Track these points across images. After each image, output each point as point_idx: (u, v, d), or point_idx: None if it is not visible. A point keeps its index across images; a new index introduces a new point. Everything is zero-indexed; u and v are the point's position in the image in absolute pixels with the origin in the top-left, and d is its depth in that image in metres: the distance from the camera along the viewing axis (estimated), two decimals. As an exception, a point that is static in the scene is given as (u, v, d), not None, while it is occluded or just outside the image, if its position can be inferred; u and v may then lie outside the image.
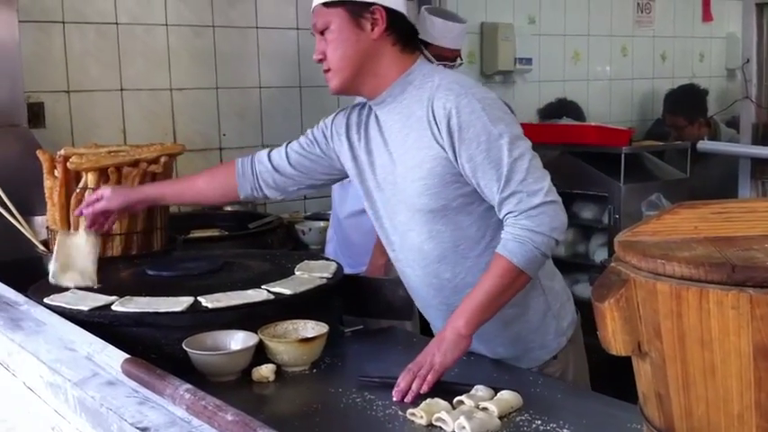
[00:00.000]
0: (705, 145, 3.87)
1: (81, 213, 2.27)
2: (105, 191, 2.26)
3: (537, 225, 1.80)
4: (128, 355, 1.46)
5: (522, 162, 1.83)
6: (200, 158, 3.88)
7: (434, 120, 1.88)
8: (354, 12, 1.92)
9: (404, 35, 1.98)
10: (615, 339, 1.02)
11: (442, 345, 1.80)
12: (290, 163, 2.20)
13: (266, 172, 2.21)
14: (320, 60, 1.98)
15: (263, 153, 2.25)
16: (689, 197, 4.03)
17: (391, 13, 1.94)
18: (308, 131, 2.22)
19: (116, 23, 3.64)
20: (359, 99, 2.16)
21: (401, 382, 1.74)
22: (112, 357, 1.49)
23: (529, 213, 1.81)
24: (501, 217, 1.87)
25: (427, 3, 4.40)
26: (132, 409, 1.25)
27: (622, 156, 3.88)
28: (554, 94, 5.26)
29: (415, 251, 2.01)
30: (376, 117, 2.04)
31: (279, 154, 2.22)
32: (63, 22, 3.51)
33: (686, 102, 5.04)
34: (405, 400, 1.71)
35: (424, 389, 1.72)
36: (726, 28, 6.25)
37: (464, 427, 1.53)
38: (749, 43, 3.63)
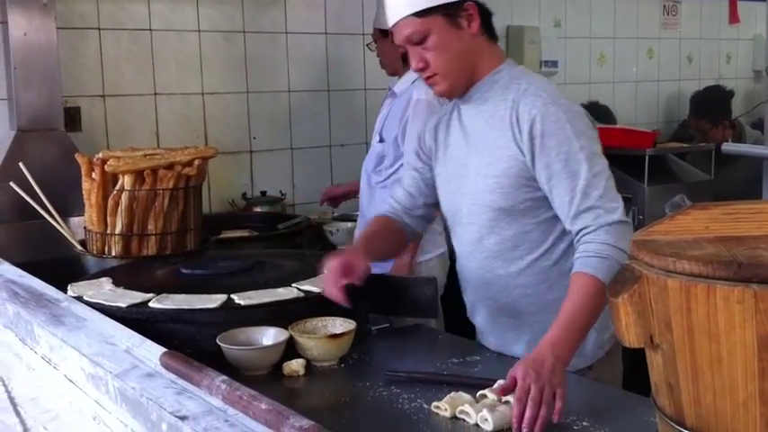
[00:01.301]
0: (729, 147, 3.88)
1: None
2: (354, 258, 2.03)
3: (616, 240, 1.78)
4: (165, 349, 1.53)
5: (601, 179, 1.84)
6: (231, 161, 3.97)
7: (517, 122, 1.89)
8: (450, 15, 1.91)
9: (489, 22, 1.98)
10: (629, 332, 1.07)
11: (554, 373, 1.61)
12: (418, 198, 2.21)
13: (410, 217, 2.23)
14: (422, 69, 1.96)
15: (396, 207, 2.23)
16: (713, 199, 4.03)
17: (478, 4, 1.95)
18: (407, 165, 2.25)
19: (150, 30, 3.73)
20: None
21: (528, 413, 1.54)
22: (151, 351, 1.55)
23: (607, 229, 1.80)
24: (574, 230, 1.86)
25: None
26: (171, 399, 1.31)
27: (646, 158, 3.91)
28: (580, 97, 5.28)
29: (474, 243, 2.04)
30: (459, 112, 2.05)
31: (405, 198, 2.22)
32: (99, 29, 3.60)
33: (710, 104, 5.04)
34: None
35: (555, 419, 1.56)
36: (753, 29, 6.24)
37: (486, 420, 1.58)
38: (774, 46, 3.65)
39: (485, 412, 1.59)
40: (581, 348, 1.98)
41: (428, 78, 1.98)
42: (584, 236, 1.83)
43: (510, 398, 1.67)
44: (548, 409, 1.55)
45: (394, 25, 1.96)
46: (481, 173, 1.97)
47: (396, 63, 3.28)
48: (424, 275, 3.08)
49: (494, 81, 1.98)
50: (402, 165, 3.15)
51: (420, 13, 1.90)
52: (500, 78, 1.97)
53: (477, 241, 2.03)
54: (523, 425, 1.53)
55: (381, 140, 3.24)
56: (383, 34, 3.25)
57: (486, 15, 1.97)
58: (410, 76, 3.22)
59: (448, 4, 1.90)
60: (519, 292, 2.01)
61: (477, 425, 1.60)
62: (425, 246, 3.20)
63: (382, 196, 3.23)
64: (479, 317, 2.14)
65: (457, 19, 1.92)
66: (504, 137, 1.91)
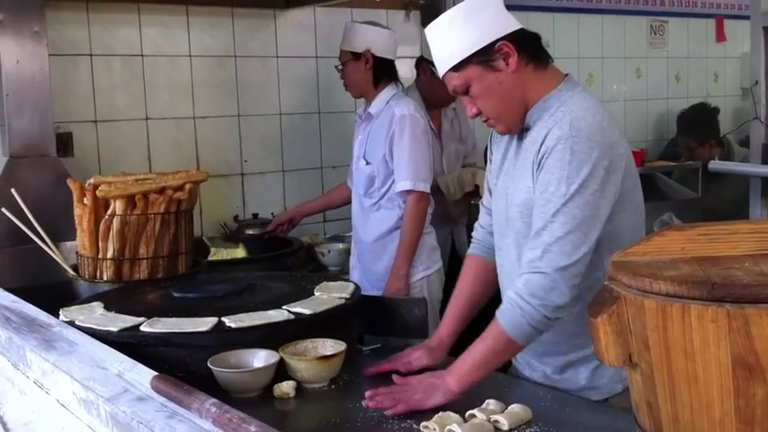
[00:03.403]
0: (716, 165, 3.92)
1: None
2: (418, 355, 2.10)
3: (530, 294, 1.79)
4: (156, 373, 1.54)
5: (559, 229, 1.79)
6: (223, 184, 3.99)
7: (538, 152, 1.87)
8: (484, 60, 1.90)
9: (533, 49, 1.96)
10: (608, 352, 1.10)
11: (430, 389, 1.84)
12: None
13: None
14: (476, 115, 1.98)
15: (481, 232, 2.23)
16: (701, 217, 4.09)
17: (514, 37, 1.92)
18: (486, 184, 2.22)
19: (141, 55, 3.76)
20: None
21: (378, 396, 1.83)
22: (142, 375, 1.56)
23: (528, 278, 1.80)
24: (521, 263, 1.87)
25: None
26: (162, 423, 1.32)
27: (635, 177, 3.93)
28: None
29: (510, 264, 2.02)
30: (521, 134, 2.01)
31: (486, 235, 2.21)
32: (90, 55, 3.63)
33: (696, 122, 5.08)
34: (370, 406, 1.82)
35: (388, 413, 1.79)
36: (740, 48, 6.29)
37: None
38: (758, 65, 3.69)
39: (453, 426, 1.64)
40: (596, 381, 2.00)
41: (486, 122, 1.99)
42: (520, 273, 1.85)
43: (498, 417, 1.70)
44: (389, 405, 1.80)
45: (443, 79, 1.99)
46: (513, 199, 1.98)
47: (364, 86, 3.34)
48: (426, 291, 3.16)
49: (544, 108, 1.93)
50: (393, 181, 3.20)
51: (455, 68, 1.93)
52: (550, 105, 1.93)
53: (513, 262, 2.01)
54: (368, 397, 1.83)
55: (368, 163, 3.28)
56: (354, 57, 3.31)
57: (527, 45, 1.94)
58: (383, 96, 3.28)
59: (478, 51, 1.90)
60: None
61: (465, 444, 1.62)
62: (426, 261, 3.25)
63: (378, 217, 3.27)
64: None
65: (491, 63, 1.91)
66: (530, 167, 1.91)
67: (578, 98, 1.93)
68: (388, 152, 3.21)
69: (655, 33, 5.93)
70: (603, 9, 5.56)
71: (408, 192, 3.17)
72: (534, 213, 1.86)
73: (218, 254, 3.45)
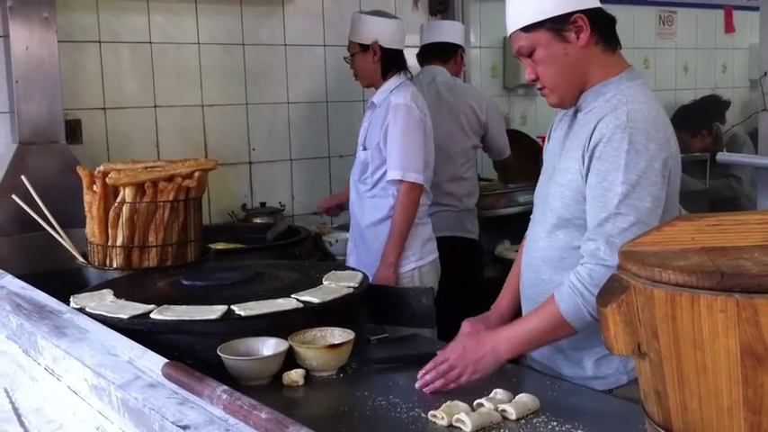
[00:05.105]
0: (724, 156, 3.93)
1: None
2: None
3: (594, 285, 1.78)
4: (167, 360, 1.55)
5: (623, 222, 1.80)
6: (231, 172, 4.00)
7: (590, 138, 1.88)
8: (556, 29, 1.90)
9: (606, 31, 1.95)
10: (617, 341, 1.10)
11: (480, 362, 1.86)
12: None
13: None
14: (533, 81, 1.98)
15: None
16: (709, 208, 4.09)
17: (591, 14, 1.91)
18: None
19: (150, 42, 3.77)
20: None
21: (428, 377, 1.85)
22: (152, 362, 1.57)
23: (593, 268, 1.81)
24: (582, 252, 1.88)
25: (448, 16, 4.51)
26: (173, 409, 1.33)
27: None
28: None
29: (535, 240, 2.07)
30: (575, 113, 2.02)
31: None
32: (99, 42, 3.64)
33: (690, 116, 5.10)
34: (425, 390, 1.84)
35: (443, 389, 1.83)
36: (749, 39, 6.28)
37: (463, 421, 1.64)
38: (767, 56, 3.69)
39: (461, 415, 1.65)
40: (601, 371, 2.01)
41: (540, 90, 2.00)
42: (581, 260, 1.86)
43: (506, 406, 1.71)
44: (446, 384, 1.84)
45: (510, 37, 2.01)
46: (555, 179, 1.99)
47: (373, 75, 3.36)
48: (417, 282, 3.17)
49: (601, 93, 1.94)
50: (386, 170, 3.21)
51: (526, 28, 1.93)
52: (607, 91, 1.93)
53: (537, 239, 2.06)
54: (420, 383, 1.86)
55: (365, 149, 3.30)
56: (362, 48, 3.33)
57: (601, 25, 1.94)
58: (388, 86, 3.30)
59: (553, 18, 1.90)
60: None
61: (472, 433, 1.64)
62: (418, 252, 3.25)
63: (373, 204, 3.28)
64: (524, 309, 2.15)
65: (563, 32, 1.91)
66: (579, 149, 1.91)
67: (636, 90, 1.93)
68: (383, 140, 3.22)
69: (663, 24, 5.92)
70: (612, -1, 5.56)
71: (400, 181, 3.16)
72: (592, 202, 1.86)
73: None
